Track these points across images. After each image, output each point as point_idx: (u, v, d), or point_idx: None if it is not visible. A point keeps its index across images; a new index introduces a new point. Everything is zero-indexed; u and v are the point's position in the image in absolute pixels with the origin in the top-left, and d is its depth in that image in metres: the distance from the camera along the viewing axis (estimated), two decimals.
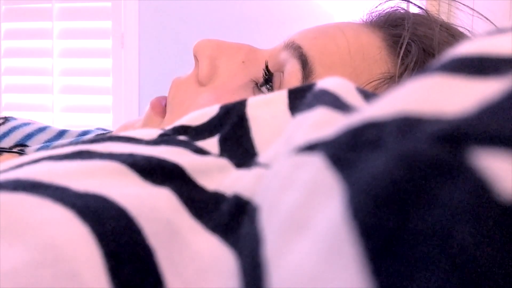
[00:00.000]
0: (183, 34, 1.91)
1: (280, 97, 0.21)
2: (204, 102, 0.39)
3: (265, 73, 0.40)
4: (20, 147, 0.53)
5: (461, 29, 0.42)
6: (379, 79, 0.38)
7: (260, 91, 0.40)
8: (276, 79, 0.39)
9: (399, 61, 0.38)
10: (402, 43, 0.38)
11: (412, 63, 0.37)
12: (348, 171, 0.11)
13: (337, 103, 0.17)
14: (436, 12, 0.45)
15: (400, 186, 0.09)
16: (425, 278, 0.08)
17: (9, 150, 0.50)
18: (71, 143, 0.19)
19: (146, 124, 0.43)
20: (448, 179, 0.09)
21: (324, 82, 0.19)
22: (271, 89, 0.39)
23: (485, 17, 0.44)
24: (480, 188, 0.09)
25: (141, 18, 1.95)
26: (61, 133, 0.57)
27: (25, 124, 0.57)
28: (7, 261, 0.12)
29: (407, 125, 0.11)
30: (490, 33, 0.14)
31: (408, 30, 0.39)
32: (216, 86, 0.40)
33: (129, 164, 0.16)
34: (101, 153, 0.17)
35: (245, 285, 0.13)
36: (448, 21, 0.43)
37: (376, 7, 0.44)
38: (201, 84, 0.41)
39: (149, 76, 1.95)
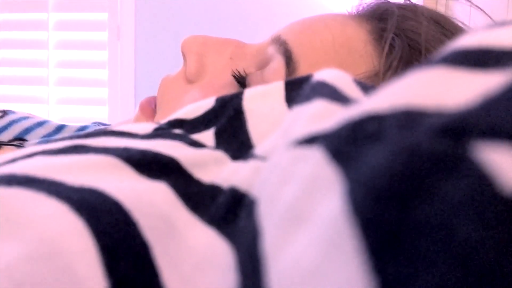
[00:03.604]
0: (179, 26, 1.90)
1: (276, 89, 0.21)
2: (192, 100, 0.39)
3: (237, 78, 0.39)
4: (19, 141, 0.53)
5: (455, 22, 0.42)
6: (363, 74, 0.38)
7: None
8: (253, 78, 0.39)
9: (384, 57, 0.37)
10: (386, 39, 0.38)
11: (396, 60, 0.37)
12: (348, 165, 0.11)
13: (335, 95, 0.16)
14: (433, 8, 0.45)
15: (401, 180, 0.09)
16: (427, 273, 0.08)
17: (8, 143, 0.50)
18: (64, 138, 0.18)
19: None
20: (450, 173, 0.09)
21: (321, 74, 0.18)
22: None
23: (481, 9, 0.44)
24: (482, 182, 0.09)
25: (137, 11, 1.94)
26: (60, 128, 0.57)
27: (24, 118, 0.57)
28: (2, 256, 0.12)
29: (408, 118, 0.11)
30: (491, 26, 0.13)
31: (392, 25, 0.38)
32: (204, 84, 0.40)
33: (125, 158, 0.16)
34: (96, 148, 0.17)
35: (243, 278, 0.12)
36: (444, 14, 0.42)
37: (360, 1, 0.44)
38: (189, 81, 0.41)
39: (145, 68, 1.94)
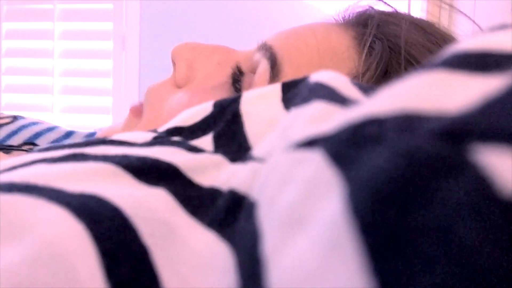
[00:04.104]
0: (184, 36, 1.91)
1: (273, 91, 0.21)
2: (178, 101, 0.39)
3: (236, 72, 0.39)
4: (29, 145, 0.53)
5: (441, 29, 0.42)
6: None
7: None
8: (246, 79, 0.39)
9: (363, 59, 0.38)
10: (366, 41, 0.38)
11: (375, 62, 0.37)
12: (348, 168, 0.11)
13: (334, 96, 0.16)
14: (437, 17, 0.45)
15: (401, 183, 0.09)
16: (427, 275, 0.08)
17: (18, 148, 0.50)
18: (63, 146, 0.19)
19: (125, 125, 0.43)
20: (449, 176, 0.09)
21: (319, 75, 0.18)
22: (239, 89, 0.39)
23: (478, 26, 0.44)
24: (482, 185, 0.09)
25: (142, 20, 1.95)
26: (69, 134, 0.57)
27: (34, 123, 0.57)
28: (3, 260, 0.12)
29: (408, 121, 0.11)
30: (492, 29, 0.13)
31: (372, 28, 0.39)
32: (192, 87, 0.40)
33: (124, 165, 0.16)
34: (95, 156, 0.17)
35: (243, 280, 0.12)
36: (429, 21, 0.43)
37: (347, 8, 0.44)
38: (178, 86, 0.41)
39: (150, 78, 1.95)
